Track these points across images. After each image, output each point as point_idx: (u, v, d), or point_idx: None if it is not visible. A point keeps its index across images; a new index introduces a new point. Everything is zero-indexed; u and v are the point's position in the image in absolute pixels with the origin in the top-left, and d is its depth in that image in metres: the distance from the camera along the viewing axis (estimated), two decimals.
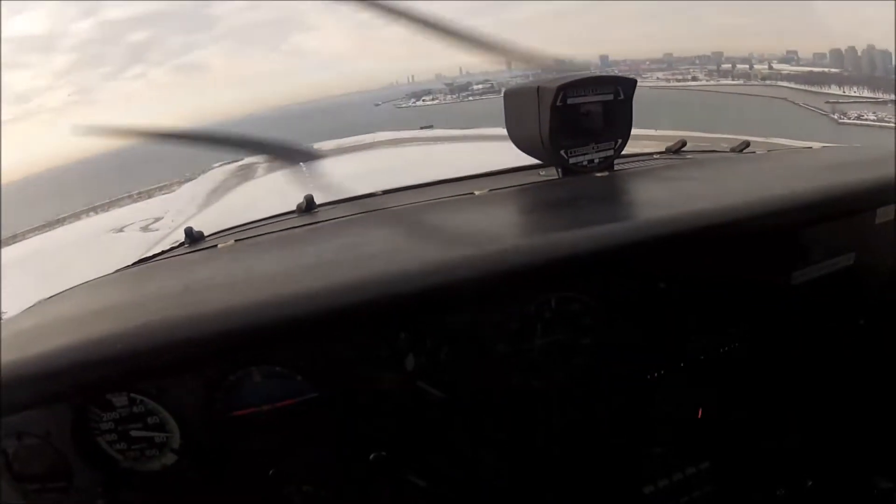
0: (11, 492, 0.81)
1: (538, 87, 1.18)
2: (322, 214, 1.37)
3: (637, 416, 0.99)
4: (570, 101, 1.18)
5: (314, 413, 0.85)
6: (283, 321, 0.77)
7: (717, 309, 0.97)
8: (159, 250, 1.44)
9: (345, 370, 0.84)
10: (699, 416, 1.01)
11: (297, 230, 1.19)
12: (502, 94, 1.29)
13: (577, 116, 1.21)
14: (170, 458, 0.85)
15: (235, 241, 1.16)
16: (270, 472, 0.85)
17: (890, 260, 1.08)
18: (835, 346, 1.08)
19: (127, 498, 0.86)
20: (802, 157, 1.44)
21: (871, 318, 1.09)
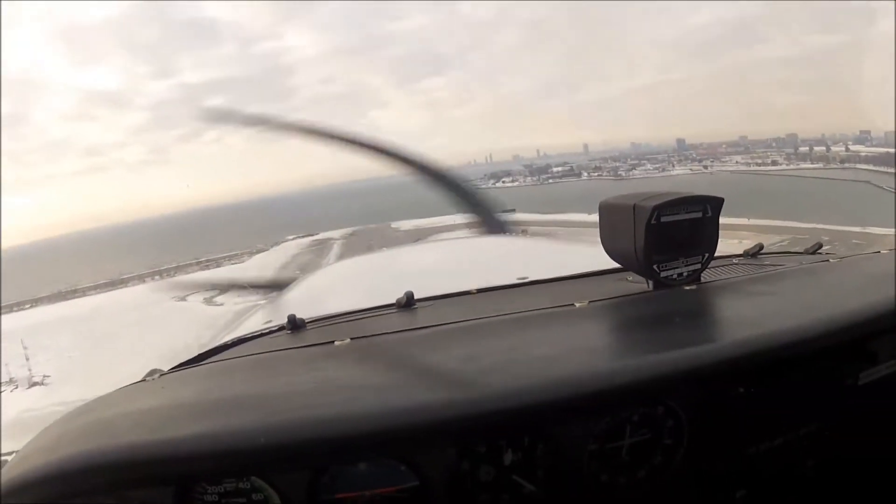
0: None
1: (634, 206, 1.19)
2: (421, 313, 1.39)
3: None
4: (663, 219, 1.19)
5: (413, 501, 0.88)
6: (409, 428, 0.81)
7: (788, 409, 1.04)
8: (257, 331, 1.47)
9: (447, 463, 0.88)
10: None
11: (407, 334, 1.16)
12: (598, 207, 1.30)
13: (668, 233, 1.21)
14: None
15: (351, 339, 1.14)
16: None
17: None
18: None
19: None
20: (874, 263, 1.48)
21: None
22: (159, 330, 13.86)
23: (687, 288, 1.26)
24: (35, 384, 14.83)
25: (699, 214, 1.24)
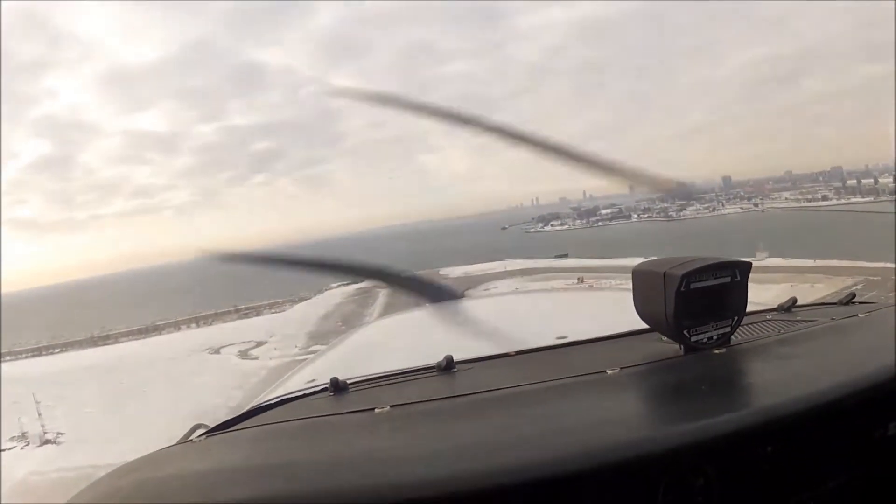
0: None
1: (664, 273, 1.24)
2: (460, 378, 1.40)
3: None
4: (693, 286, 1.23)
5: None
6: (444, 499, 0.83)
7: (817, 463, 1.06)
8: (300, 391, 1.48)
9: None
10: None
11: (444, 402, 1.18)
12: (631, 272, 1.34)
13: (698, 298, 1.25)
14: None
15: (391, 407, 1.16)
16: None
17: None
18: None
19: None
20: None
21: None
22: (186, 386, 12.64)
23: (717, 351, 1.30)
24: (47, 442, 13.99)
25: (728, 279, 1.28)
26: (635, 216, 68.97)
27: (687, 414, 1.00)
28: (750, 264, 1.28)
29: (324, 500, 0.80)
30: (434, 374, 1.42)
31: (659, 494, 0.91)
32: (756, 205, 70.91)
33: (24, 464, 12.05)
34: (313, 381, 1.60)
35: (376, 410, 1.14)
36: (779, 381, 1.10)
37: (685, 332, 1.24)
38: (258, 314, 26.70)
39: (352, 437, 1.06)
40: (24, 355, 24.37)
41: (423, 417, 1.12)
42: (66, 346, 26.29)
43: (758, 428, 0.94)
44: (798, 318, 1.57)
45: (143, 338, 25.35)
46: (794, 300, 1.68)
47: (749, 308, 1.32)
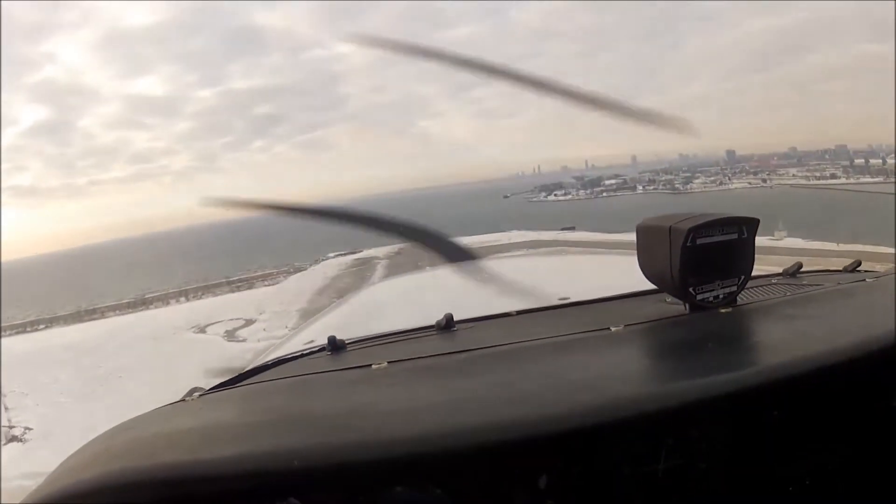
0: None
1: (670, 227, 1.25)
2: (460, 336, 1.45)
3: None
4: (699, 241, 1.24)
5: None
6: (442, 453, 0.85)
7: (822, 431, 1.04)
8: (297, 351, 1.53)
9: (482, 486, 0.89)
10: None
11: (444, 358, 1.21)
12: (635, 229, 1.36)
13: (704, 255, 1.26)
14: None
15: (388, 362, 1.18)
16: None
17: None
18: None
19: None
20: None
21: None
22: (166, 371, 11.74)
23: (723, 311, 1.30)
24: (14, 439, 12.77)
25: (735, 236, 1.28)
26: (640, 188, 67.91)
27: (691, 371, 1.01)
28: (758, 221, 1.27)
29: (316, 455, 0.81)
30: (433, 332, 1.46)
31: (662, 453, 0.91)
32: (764, 180, 70.04)
33: None
34: (311, 341, 1.62)
35: (373, 367, 1.14)
36: (785, 341, 1.12)
37: (690, 289, 1.24)
38: (250, 287, 25.63)
39: (347, 393, 1.06)
40: (7, 332, 23.43)
41: (421, 373, 1.13)
42: (51, 322, 25.44)
43: (763, 387, 0.93)
44: (804, 282, 1.62)
45: (131, 312, 24.34)
46: (800, 265, 1.73)
47: (754, 272, 1.34)
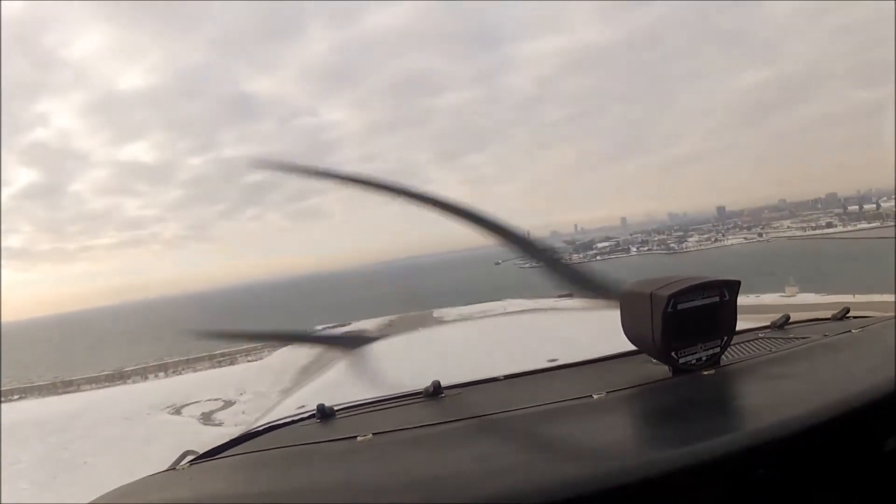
0: None
1: (651, 294, 1.25)
2: (447, 403, 1.45)
3: None
4: (679, 307, 1.24)
5: None
6: None
7: (810, 483, 1.03)
8: (288, 417, 1.54)
9: None
10: None
11: (429, 429, 1.21)
12: (620, 294, 1.36)
13: (686, 319, 1.25)
14: None
15: (373, 434, 1.19)
16: None
17: None
18: None
19: None
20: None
21: None
22: (134, 458, 10.66)
23: (706, 373, 1.30)
24: None
25: (716, 299, 1.28)
26: (634, 249, 68.73)
27: (673, 439, 1.00)
28: (738, 283, 1.28)
29: None
30: (421, 399, 1.48)
31: None
32: (759, 234, 69.86)
33: None
34: (303, 406, 1.67)
35: (358, 438, 1.16)
36: (767, 401, 1.11)
37: (673, 353, 1.25)
38: (233, 362, 24.40)
39: (333, 466, 1.08)
40: None
41: (406, 445, 1.12)
42: (26, 393, 24.66)
43: (747, 450, 0.93)
44: (791, 335, 1.63)
45: (108, 386, 23.46)
46: (787, 317, 1.76)
47: (742, 326, 1.36)
